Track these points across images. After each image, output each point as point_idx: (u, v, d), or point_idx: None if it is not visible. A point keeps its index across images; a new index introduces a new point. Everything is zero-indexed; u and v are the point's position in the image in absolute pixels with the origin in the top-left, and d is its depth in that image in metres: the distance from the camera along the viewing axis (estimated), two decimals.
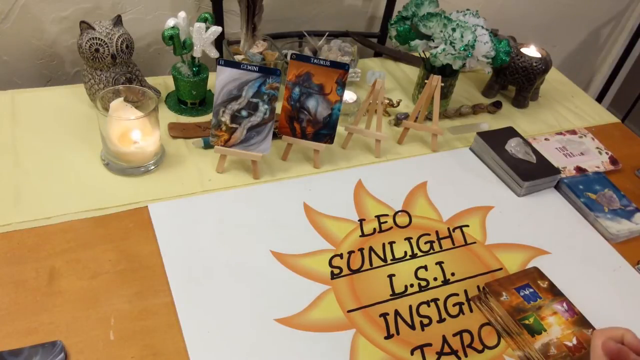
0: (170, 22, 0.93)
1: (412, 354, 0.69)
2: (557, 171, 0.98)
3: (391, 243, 0.83)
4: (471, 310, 0.75)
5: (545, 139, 1.09)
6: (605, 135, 1.14)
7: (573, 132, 1.13)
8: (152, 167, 0.88)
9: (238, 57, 1.04)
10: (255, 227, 0.82)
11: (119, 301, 0.69)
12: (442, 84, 0.99)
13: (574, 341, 0.69)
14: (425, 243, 0.84)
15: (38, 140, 0.90)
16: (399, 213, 0.88)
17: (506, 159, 0.98)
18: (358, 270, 0.78)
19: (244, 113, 0.86)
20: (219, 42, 1.02)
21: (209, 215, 0.82)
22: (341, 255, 0.80)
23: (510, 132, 1.04)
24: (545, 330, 0.70)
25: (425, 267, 0.80)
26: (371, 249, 0.82)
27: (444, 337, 0.71)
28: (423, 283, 0.78)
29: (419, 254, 0.82)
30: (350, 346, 0.69)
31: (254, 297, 0.72)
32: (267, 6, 1.04)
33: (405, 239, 0.84)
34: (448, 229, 0.87)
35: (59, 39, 1.10)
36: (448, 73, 1.07)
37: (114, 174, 0.86)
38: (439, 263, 0.81)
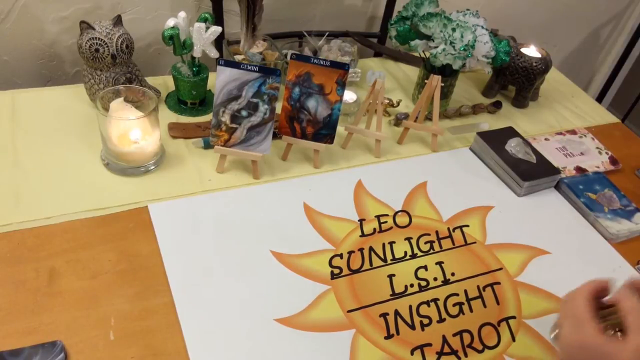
0: (170, 22, 0.93)
1: (412, 354, 0.69)
2: (557, 171, 0.98)
3: (391, 243, 0.83)
4: (471, 310, 0.75)
5: (545, 139, 1.09)
6: (605, 135, 1.14)
7: (573, 132, 1.13)
8: (152, 167, 0.88)
9: (238, 57, 1.04)
10: (255, 227, 0.82)
11: (119, 301, 0.69)
12: (442, 84, 0.99)
13: None
14: (425, 243, 0.84)
15: (38, 140, 0.90)
16: (399, 213, 0.88)
17: (506, 159, 0.98)
18: (358, 270, 0.78)
19: (244, 113, 0.86)
20: (219, 42, 1.02)
21: (209, 215, 0.82)
22: (341, 255, 0.80)
23: (510, 132, 1.04)
24: None
25: (425, 267, 0.80)
26: (371, 249, 0.82)
27: (444, 337, 0.71)
28: (423, 283, 0.78)
29: (419, 254, 0.82)
30: (350, 346, 0.69)
31: (254, 297, 0.72)
32: (267, 6, 1.04)
33: (405, 239, 0.84)
34: (448, 229, 0.87)
35: (59, 39, 1.10)
36: (448, 73, 1.07)
37: (114, 174, 0.86)
38: (439, 263, 0.81)
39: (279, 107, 0.90)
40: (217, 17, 1.14)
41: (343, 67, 0.88)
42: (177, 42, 0.94)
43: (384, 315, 0.73)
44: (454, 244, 0.85)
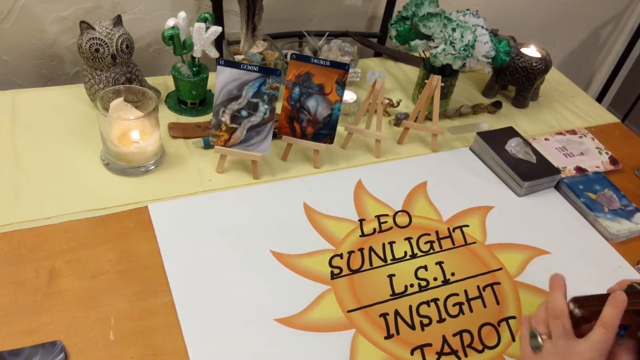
0: (170, 22, 0.93)
1: (412, 354, 0.69)
2: (557, 171, 0.98)
3: (391, 243, 0.83)
4: (471, 310, 0.75)
5: (545, 139, 1.09)
6: (605, 135, 1.14)
7: (573, 132, 1.13)
8: (152, 167, 0.88)
9: (238, 57, 1.04)
10: (255, 227, 0.82)
11: (119, 301, 0.69)
12: (442, 84, 0.99)
13: None
14: (425, 243, 0.84)
15: (38, 140, 0.90)
16: (399, 213, 0.88)
17: (506, 159, 0.98)
18: (358, 270, 0.78)
19: (244, 113, 0.86)
20: (219, 42, 1.02)
21: (209, 215, 0.82)
22: (341, 255, 0.80)
23: (510, 132, 1.04)
24: None
25: (425, 267, 0.80)
26: (371, 249, 0.82)
27: (444, 337, 0.71)
28: (423, 283, 0.78)
29: (419, 254, 0.82)
30: (350, 346, 0.69)
31: (253, 297, 0.72)
32: (267, 6, 1.04)
33: (405, 239, 0.84)
34: (448, 229, 0.87)
35: (59, 39, 1.10)
36: (448, 73, 1.07)
37: (114, 174, 0.86)
38: (439, 263, 0.81)
39: (279, 107, 0.90)
40: (217, 17, 1.14)
41: (343, 67, 0.88)
42: (177, 42, 0.94)
43: (384, 315, 0.73)
44: (454, 244, 0.85)
